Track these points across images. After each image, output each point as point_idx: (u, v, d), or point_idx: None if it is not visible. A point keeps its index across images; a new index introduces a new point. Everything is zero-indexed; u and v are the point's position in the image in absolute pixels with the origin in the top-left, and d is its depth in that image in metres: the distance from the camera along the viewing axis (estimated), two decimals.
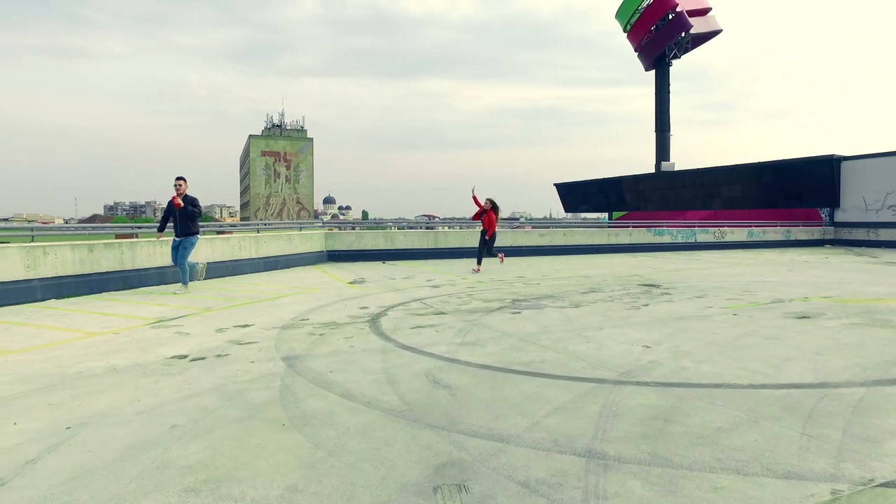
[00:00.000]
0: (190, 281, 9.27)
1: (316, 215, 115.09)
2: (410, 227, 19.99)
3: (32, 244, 8.17)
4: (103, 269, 8.91)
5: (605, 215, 41.47)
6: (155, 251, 9.78)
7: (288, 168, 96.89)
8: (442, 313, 7.12)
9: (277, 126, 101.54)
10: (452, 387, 3.97)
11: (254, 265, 11.87)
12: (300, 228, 15.26)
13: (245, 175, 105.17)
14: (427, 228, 20.09)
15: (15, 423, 3.26)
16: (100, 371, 4.41)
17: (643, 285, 10.19)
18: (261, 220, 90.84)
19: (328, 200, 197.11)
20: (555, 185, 43.47)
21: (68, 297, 8.30)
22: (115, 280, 9.07)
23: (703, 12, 39.34)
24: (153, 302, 8.04)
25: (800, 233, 22.89)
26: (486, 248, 12.99)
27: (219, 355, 4.89)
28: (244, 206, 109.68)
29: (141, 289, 9.37)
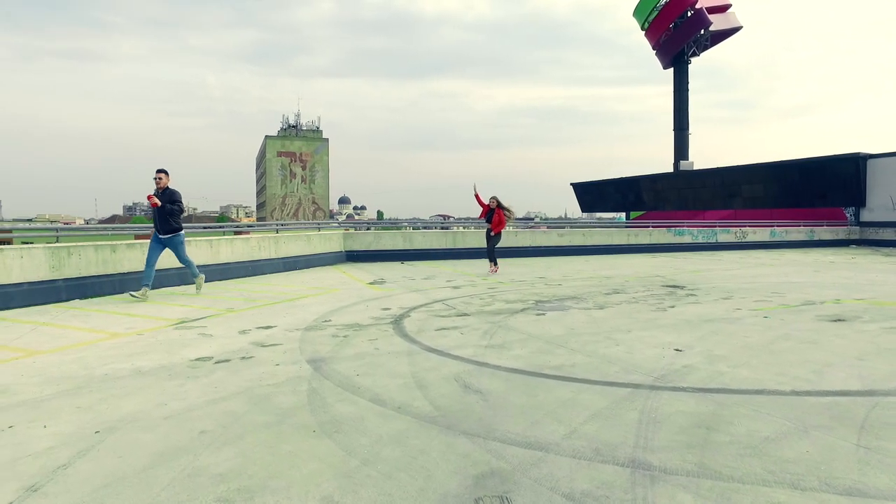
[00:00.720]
0: (195, 288, 8.90)
1: (331, 215, 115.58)
2: (426, 227, 19.93)
3: (58, 244, 8.21)
4: (125, 270, 8.93)
5: (620, 215, 41.13)
6: None
7: (304, 168, 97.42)
8: (465, 315, 7.03)
9: (293, 127, 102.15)
10: (484, 392, 3.87)
11: (273, 265, 11.86)
12: (318, 229, 15.25)
13: (261, 175, 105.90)
14: (442, 228, 19.99)
15: (45, 427, 3.21)
16: (125, 373, 4.37)
17: (667, 286, 10.02)
18: (277, 220, 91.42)
19: (343, 200, 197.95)
20: (571, 184, 43.19)
21: (92, 297, 8.33)
22: (137, 280, 9.05)
23: (722, 9, 38.81)
24: (175, 302, 8.03)
25: (824, 233, 22.47)
26: (487, 249, 12.59)
27: (243, 357, 4.84)
28: (260, 206, 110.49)
29: (162, 289, 9.38)
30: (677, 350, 5.09)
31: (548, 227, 21.32)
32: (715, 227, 20.63)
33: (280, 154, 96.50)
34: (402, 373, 4.36)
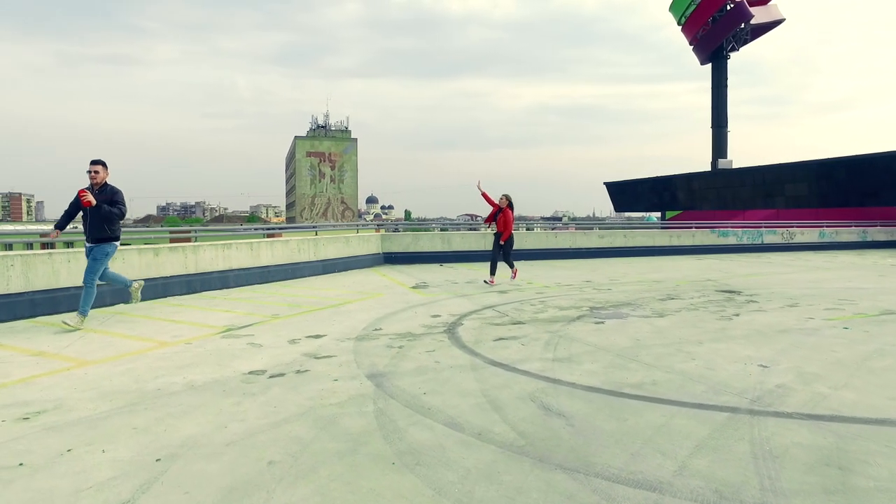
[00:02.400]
0: (127, 302, 7.14)
1: (359, 215, 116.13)
2: (454, 227, 19.60)
3: None
4: (168, 274, 8.81)
5: (651, 215, 40.23)
6: (217, 255, 9.66)
7: (332, 168, 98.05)
8: (520, 323, 6.70)
9: (322, 127, 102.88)
10: (567, 415, 3.54)
11: (312, 268, 11.68)
12: (357, 230, 15.06)
13: (291, 175, 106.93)
14: (471, 230, 19.65)
15: (104, 451, 2.99)
16: (178, 388, 4.15)
17: (722, 291, 9.55)
18: (306, 219, 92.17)
19: (371, 200, 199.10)
20: (605, 184, 42.43)
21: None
22: (179, 284, 8.96)
23: (763, 1, 37.53)
24: (218, 308, 7.86)
25: (878, 233, 21.48)
26: (504, 256, 10.86)
27: (298, 371, 4.59)
28: (290, 206, 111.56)
29: (203, 293, 9.25)
30: (762, 366, 4.69)
31: (576, 227, 20.85)
32: (760, 227, 19.88)
33: (309, 154, 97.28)
34: (472, 391, 4.06)
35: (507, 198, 10.88)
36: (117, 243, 6.72)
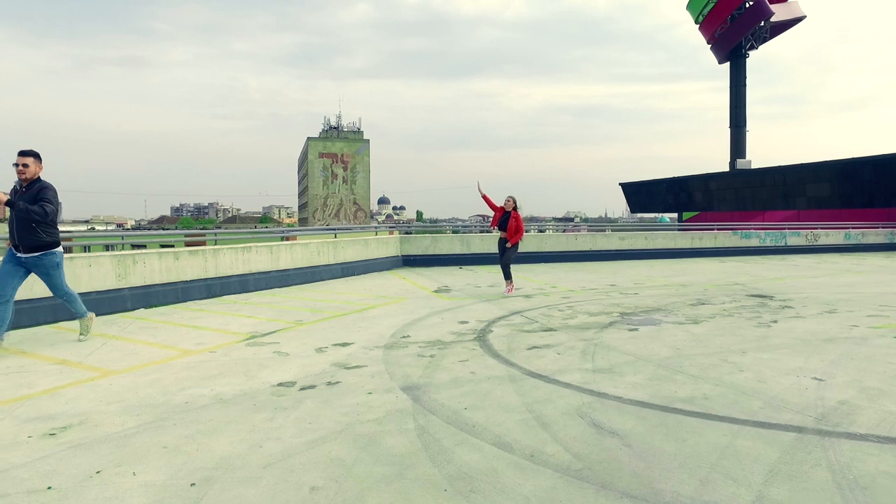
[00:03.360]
0: (80, 337, 6.04)
1: (371, 215, 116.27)
2: (466, 229, 19.38)
3: (123, 252, 8.00)
4: (188, 278, 8.68)
5: (662, 215, 39.74)
6: (237, 258, 9.52)
7: (345, 169, 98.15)
8: (551, 330, 6.48)
9: (334, 128, 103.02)
10: (621, 433, 3.32)
11: (332, 271, 11.52)
12: (375, 232, 14.89)
13: (303, 176, 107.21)
14: (482, 232, 19.40)
15: (134, 474, 2.81)
16: (207, 401, 3.98)
17: (753, 296, 9.26)
18: (318, 220, 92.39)
19: (382, 200, 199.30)
20: (620, 184, 42.00)
21: (155, 306, 8.09)
22: (199, 288, 8.83)
23: None
24: (239, 313, 7.71)
25: None
26: (503, 260, 9.78)
27: (329, 383, 4.40)
28: (302, 206, 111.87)
29: (223, 297, 9.11)
30: (817, 379, 4.43)
31: (588, 228, 20.57)
32: (784, 229, 19.47)
33: (322, 155, 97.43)
34: (515, 405, 3.85)
35: (514, 200, 9.82)
36: (59, 249, 5.72)
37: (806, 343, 5.77)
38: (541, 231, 26.73)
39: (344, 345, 5.72)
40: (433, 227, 22.59)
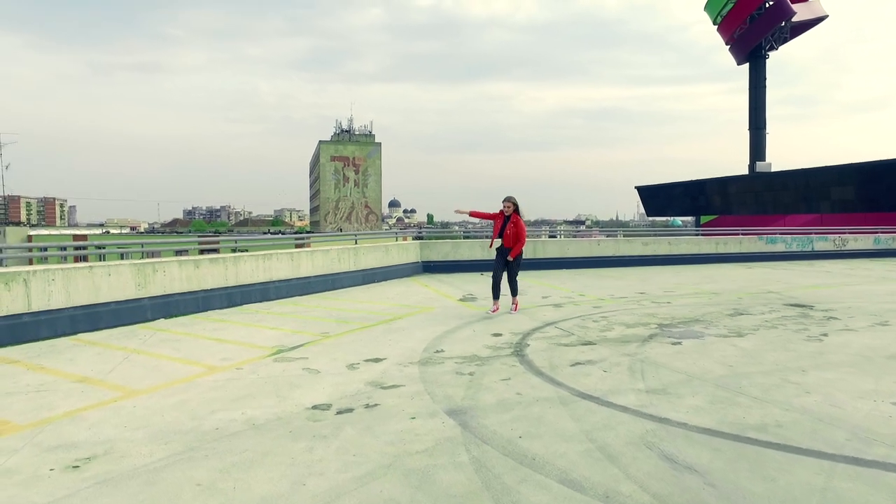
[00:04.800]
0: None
1: (382, 219, 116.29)
2: (476, 232, 19.06)
3: (143, 261, 7.77)
4: (208, 287, 8.44)
5: (675, 218, 39.16)
6: (257, 266, 9.28)
7: (357, 172, 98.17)
8: (590, 343, 6.15)
9: (346, 131, 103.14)
10: (699, 469, 2.99)
11: (352, 278, 11.25)
12: (395, 238, 14.62)
13: (315, 180, 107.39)
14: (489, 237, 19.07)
15: None
16: (239, 426, 3.70)
17: (792, 305, 8.88)
18: (330, 224, 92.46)
19: (393, 203, 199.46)
20: (636, 187, 41.53)
21: (176, 316, 7.84)
22: (220, 297, 8.59)
23: None
24: (262, 324, 7.44)
25: None
26: (508, 277, 8.15)
27: (367, 405, 4.11)
28: (314, 210, 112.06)
29: (244, 306, 8.86)
30: None
31: (599, 231, 20.22)
32: (810, 234, 18.98)
33: (334, 158, 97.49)
34: (573, 433, 3.53)
35: (514, 202, 8.04)
36: None
37: (869, 361, 5.40)
38: (552, 236, 26.38)
39: (376, 360, 5.43)
40: (446, 232, 22.31)
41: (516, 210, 8.05)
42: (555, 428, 3.63)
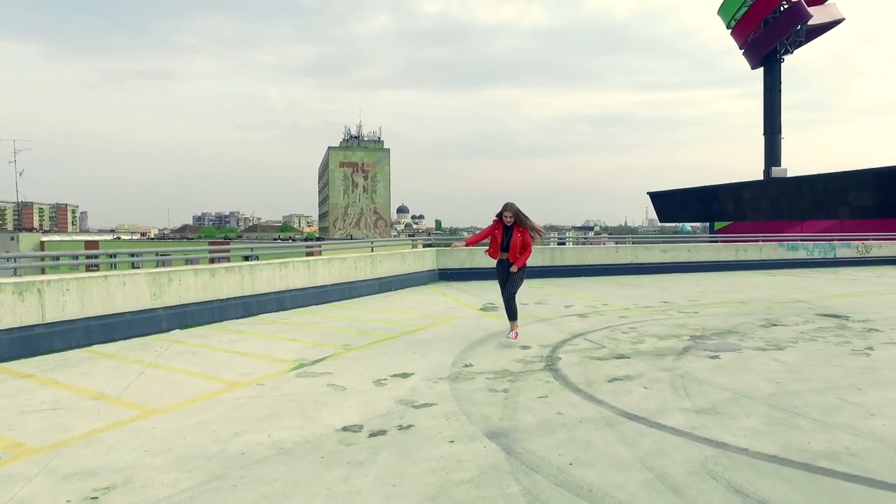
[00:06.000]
0: None
1: (390, 225, 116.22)
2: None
3: (158, 270, 7.57)
4: (224, 296, 8.23)
5: (684, 224, 38.69)
6: (274, 274, 9.06)
7: (365, 178, 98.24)
8: (624, 357, 5.88)
9: (355, 137, 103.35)
10: None
11: (369, 287, 11.02)
12: (412, 245, 14.39)
13: (324, 186, 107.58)
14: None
15: None
16: (266, 451, 3.46)
17: (825, 316, 8.57)
18: (339, 230, 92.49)
19: (401, 209, 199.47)
20: (648, 193, 41.13)
21: (191, 326, 7.62)
22: (236, 307, 8.37)
23: (821, 0, 35.70)
24: (281, 335, 7.21)
25: None
26: (507, 295, 6.75)
27: (400, 427, 3.86)
28: (322, 216, 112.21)
29: (260, 316, 8.63)
30: None
31: (608, 237, 19.89)
32: (833, 240, 18.59)
33: (343, 165, 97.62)
34: (626, 459, 3.27)
35: (514, 210, 6.58)
36: None
37: None
38: (561, 242, 26.08)
39: (404, 376, 5.18)
40: (455, 238, 22.10)
41: (520, 219, 6.58)
42: (606, 453, 3.37)
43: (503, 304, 6.87)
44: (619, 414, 4.11)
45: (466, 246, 7.79)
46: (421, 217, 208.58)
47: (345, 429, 3.84)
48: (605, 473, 3.09)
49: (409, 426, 3.87)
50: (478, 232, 7.19)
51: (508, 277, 6.79)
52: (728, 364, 5.62)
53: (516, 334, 6.64)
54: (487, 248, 7.06)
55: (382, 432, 3.76)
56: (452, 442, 3.57)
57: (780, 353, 6.13)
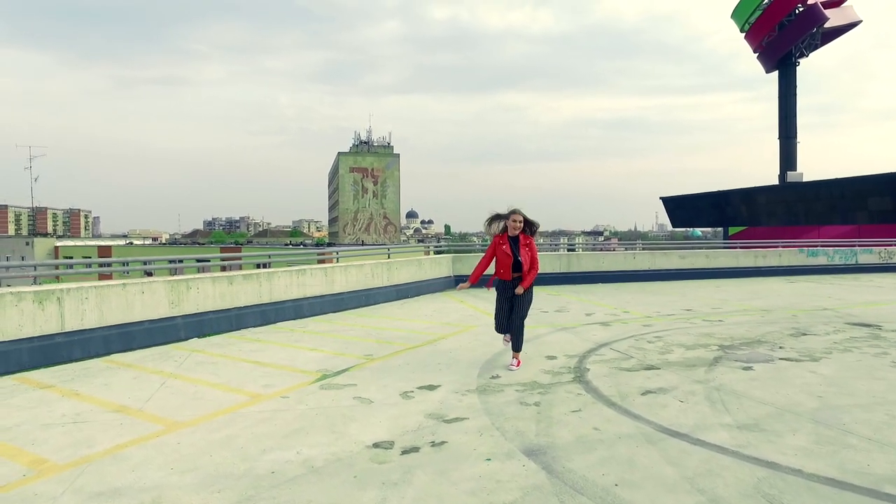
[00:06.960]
0: None
1: (399, 230, 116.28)
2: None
3: (176, 278, 7.48)
4: (242, 304, 8.14)
5: (694, 229, 38.27)
6: (291, 282, 8.97)
7: (375, 184, 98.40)
8: (654, 368, 5.71)
9: (364, 143, 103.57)
10: None
11: (386, 294, 10.90)
12: (428, 251, 14.28)
13: (334, 191, 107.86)
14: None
15: None
16: (296, 469, 3.33)
17: (855, 325, 8.35)
18: (349, 235, 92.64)
19: (411, 214, 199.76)
20: (661, 198, 40.78)
21: (209, 335, 7.54)
22: (254, 315, 8.28)
23: (837, 2, 35.33)
24: (301, 344, 7.10)
25: None
26: (514, 320, 5.79)
27: (433, 443, 3.72)
28: (332, 221, 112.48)
29: (278, 324, 8.53)
30: None
31: (619, 242, 19.68)
32: (854, 245, 18.27)
33: (352, 170, 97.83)
34: (674, 480, 3.11)
35: (521, 216, 5.75)
36: None
37: None
38: (570, 250, 25.91)
39: (430, 388, 5.04)
40: (464, 244, 22.00)
41: (528, 228, 5.82)
42: (652, 473, 3.21)
43: (498, 328, 5.94)
44: (658, 430, 3.95)
45: (473, 282, 6.29)
46: (430, 222, 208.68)
47: (376, 445, 3.71)
48: (654, 496, 2.94)
49: (442, 442, 3.73)
50: (487, 257, 6.00)
51: (515, 300, 5.74)
52: (763, 376, 5.44)
53: (518, 362, 5.78)
54: (494, 273, 6.02)
55: (415, 449, 3.63)
56: (489, 460, 3.43)
57: (816, 364, 5.93)
